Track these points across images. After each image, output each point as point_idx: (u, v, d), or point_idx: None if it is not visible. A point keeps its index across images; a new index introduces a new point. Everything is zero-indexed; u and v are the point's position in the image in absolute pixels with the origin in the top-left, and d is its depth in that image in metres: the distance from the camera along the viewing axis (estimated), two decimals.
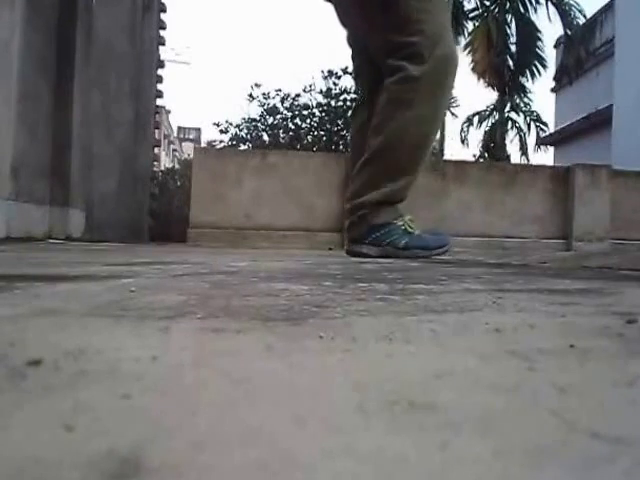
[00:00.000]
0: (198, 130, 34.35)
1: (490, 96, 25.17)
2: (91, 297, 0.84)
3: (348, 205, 2.69)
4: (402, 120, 2.52)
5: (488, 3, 16.31)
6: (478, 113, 18.90)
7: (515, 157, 18.27)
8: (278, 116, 8.91)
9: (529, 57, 16.49)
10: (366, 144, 2.60)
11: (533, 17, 16.33)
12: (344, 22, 2.77)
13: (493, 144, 17.29)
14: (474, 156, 17.91)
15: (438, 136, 11.87)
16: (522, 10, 16.22)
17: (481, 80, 16.78)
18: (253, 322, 0.62)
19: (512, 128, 18.32)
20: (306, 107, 8.88)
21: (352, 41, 2.84)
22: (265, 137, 8.97)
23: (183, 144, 32.43)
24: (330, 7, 2.73)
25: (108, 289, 0.94)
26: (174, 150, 30.35)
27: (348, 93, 8.82)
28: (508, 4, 16.25)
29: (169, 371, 0.42)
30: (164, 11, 7.70)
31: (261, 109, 9.02)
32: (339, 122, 8.75)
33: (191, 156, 6.55)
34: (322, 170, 4.91)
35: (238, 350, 0.49)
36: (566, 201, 5.17)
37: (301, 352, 0.49)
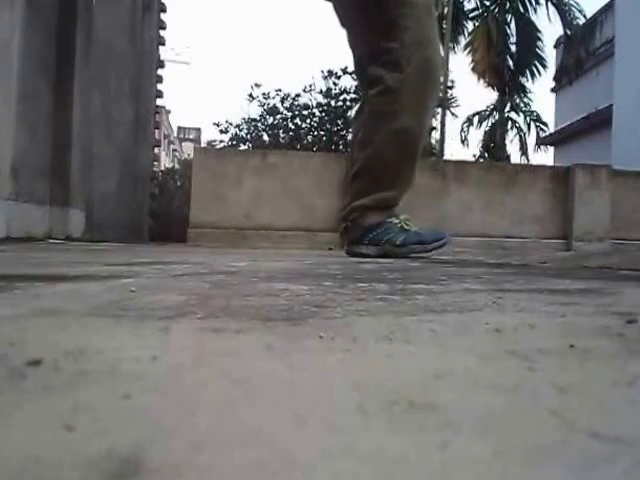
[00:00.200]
0: (198, 130, 34.34)
1: (490, 96, 25.16)
2: (91, 297, 0.84)
3: (341, 214, 2.72)
4: (386, 132, 2.52)
5: (488, 3, 16.32)
6: (478, 113, 18.90)
7: (515, 157, 18.28)
8: (278, 116, 8.91)
9: (529, 57, 16.49)
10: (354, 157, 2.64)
11: (533, 17, 16.34)
12: (344, 23, 2.77)
13: (493, 144, 17.29)
14: (474, 156, 17.91)
15: (438, 136, 11.88)
16: (522, 10, 16.22)
17: (481, 80, 16.79)
18: (253, 322, 0.62)
19: (512, 128, 18.33)
20: (306, 107, 8.89)
21: (352, 43, 2.84)
22: (265, 137, 8.97)
23: (183, 144, 32.42)
24: (330, 7, 2.74)
25: (108, 289, 0.94)
26: (174, 150, 30.34)
27: (348, 93, 8.82)
28: (508, 4, 16.24)
29: (169, 371, 0.42)
30: (164, 11, 7.70)
31: (261, 109, 9.03)
32: (339, 122, 8.75)
33: (191, 156, 6.55)
34: (322, 170, 4.91)
35: (238, 350, 0.49)
36: (566, 201, 5.17)
37: (301, 352, 0.49)
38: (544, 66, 16.82)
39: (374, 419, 0.32)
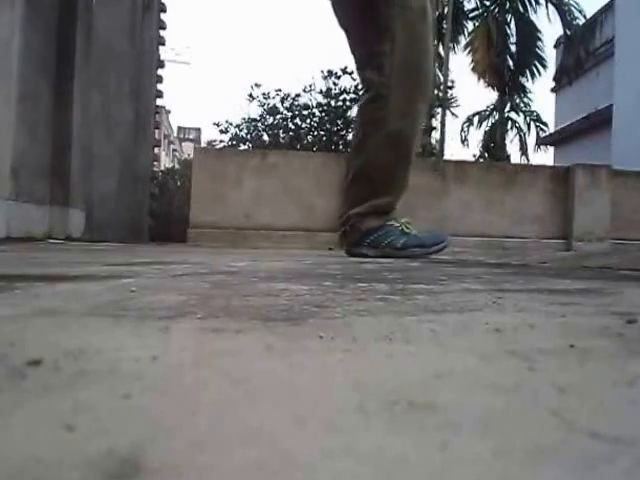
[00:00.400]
0: (198, 130, 34.33)
1: (490, 96, 25.20)
2: (91, 297, 0.84)
3: (339, 221, 2.73)
4: (378, 139, 2.52)
5: (488, 3, 16.32)
6: (478, 113, 18.91)
7: (515, 157, 18.29)
8: (278, 116, 8.91)
9: (529, 57, 16.50)
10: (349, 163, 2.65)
11: (533, 17, 16.36)
12: (343, 24, 2.77)
13: (493, 144, 17.29)
14: (474, 156, 17.91)
15: (438, 136, 11.88)
16: (522, 10, 16.23)
17: (481, 80, 16.80)
18: (253, 322, 0.62)
19: (512, 128, 18.35)
20: (306, 107, 8.88)
21: (352, 45, 2.84)
22: (265, 137, 8.97)
23: (183, 144, 32.41)
24: (330, 7, 2.73)
25: (108, 289, 0.94)
26: (174, 150, 30.34)
27: (348, 93, 8.82)
28: (508, 4, 16.25)
29: (169, 371, 0.42)
30: (164, 11, 7.70)
31: (261, 109, 9.03)
32: (339, 122, 8.75)
33: (191, 156, 6.55)
34: (322, 170, 4.91)
35: (238, 350, 0.49)
36: (566, 201, 5.17)
37: (301, 352, 0.49)
38: (544, 66, 16.84)
39: (374, 419, 0.32)
